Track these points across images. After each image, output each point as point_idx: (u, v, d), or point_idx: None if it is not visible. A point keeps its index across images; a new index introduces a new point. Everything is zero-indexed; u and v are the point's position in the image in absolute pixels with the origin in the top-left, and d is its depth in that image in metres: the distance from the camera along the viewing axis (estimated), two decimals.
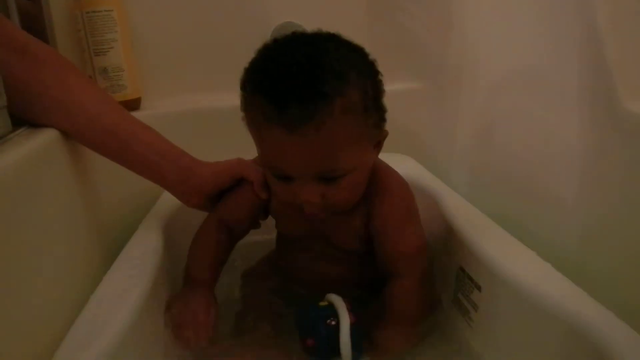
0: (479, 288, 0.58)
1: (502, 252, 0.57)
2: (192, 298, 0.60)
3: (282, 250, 0.71)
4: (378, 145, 0.59)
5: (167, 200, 0.73)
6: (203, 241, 0.66)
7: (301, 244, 0.66)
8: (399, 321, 0.60)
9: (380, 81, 0.56)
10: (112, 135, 0.63)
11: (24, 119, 0.59)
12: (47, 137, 0.58)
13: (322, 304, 0.59)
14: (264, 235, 0.73)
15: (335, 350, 0.55)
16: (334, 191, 0.54)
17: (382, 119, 0.57)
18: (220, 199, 0.67)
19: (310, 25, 0.96)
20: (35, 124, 0.60)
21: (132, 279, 0.55)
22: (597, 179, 0.58)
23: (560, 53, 0.63)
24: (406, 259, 0.61)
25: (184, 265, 0.65)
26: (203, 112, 0.94)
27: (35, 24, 0.81)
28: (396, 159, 0.84)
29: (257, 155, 0.67)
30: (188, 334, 0.57)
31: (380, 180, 0.61)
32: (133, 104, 0.92)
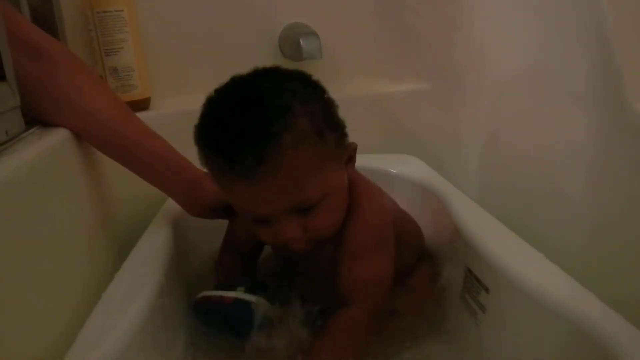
0: (486, 290, 0.58)
1: (510, 253, 0.57)
2: None
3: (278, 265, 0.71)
4: (350, 160, 0.58)
5: None
6: (225, 270, 0.68)
7: (299, 267, 0.66)
8: (327, 349, 0.54)
9: (329, 99, 0.55)
10: (119, 140, 0.63)
11: (36, 119, 0.60)
12: (59, 136, 0.59)
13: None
14: None
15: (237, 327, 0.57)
16: (314, 220, 0.53)
17: (343, 135, 0.56)
18: (228, 226, 0.69)
19: (318, 26, 0.97)
20: (47, 124, 0.60)
21: (143, 277, 0.56)
22: (606, 180, 0.58)
23: (569, 54, 0.63)
24: (360, 288, 0.57)
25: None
26: None
27: (46, 23, 0.81)
28: (403, 160, 0.84)
29: None
30: None
31: (355, 199, 0.59)
32: (143, 104, 0.92)
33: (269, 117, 0.48)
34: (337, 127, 0.55)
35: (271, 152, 0.48)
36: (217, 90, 0.54)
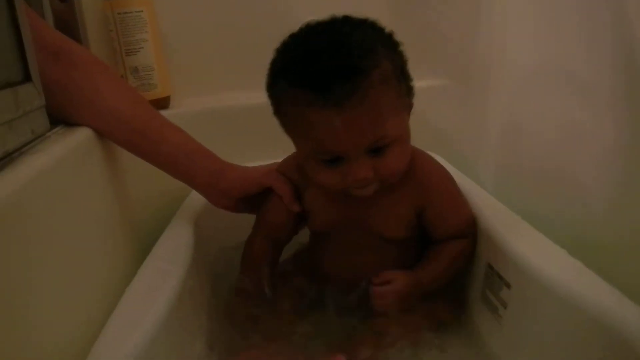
0: (508, 285, 0.58)
1: (532, 249, 0.57)
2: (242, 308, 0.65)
3: (315, 248, 0.70)
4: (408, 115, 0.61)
5: (198, 196, 0.74)
6: (252, 259, 0.69)
7: (336, 237, 0.66)
8: (428, 272, 0.63)
9: (402, 52, 0.58)
10: (143, 136, 0.64)
11: (59, 119, 0.61)
12: (83, 135, 0.60)
13: None
14: None
15: None
16: (384, 163, 0.56)
17: (410, 88, 0.59)
18: (258, 201, 0.69)
19: None
20: (70, 123, 0.61)
21: (165, 273, 0.56)
22: (631, 178, 0.57)
23: (592, 49, 0.62)
24: (467, 224, 0.65)
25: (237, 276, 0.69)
26: (231, 110, 0.96)
27: (68, 25, 0.83)
28: None
29: (283, 158, 0.69)
30: None
31: (421, 166, 0.63)
32: (162, 103, 0.94)
33: (358, 53, 0.52)
34: (409, 78, 0.59)
35: (362, 84, 0.52)
36: (292, 35, 0.57)
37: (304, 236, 0.73)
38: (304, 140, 0.58)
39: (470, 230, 0.66)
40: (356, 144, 0.54)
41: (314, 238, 0.71)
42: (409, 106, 0.60)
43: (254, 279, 0.67)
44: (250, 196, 0.68)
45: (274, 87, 0.57)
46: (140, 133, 0.64)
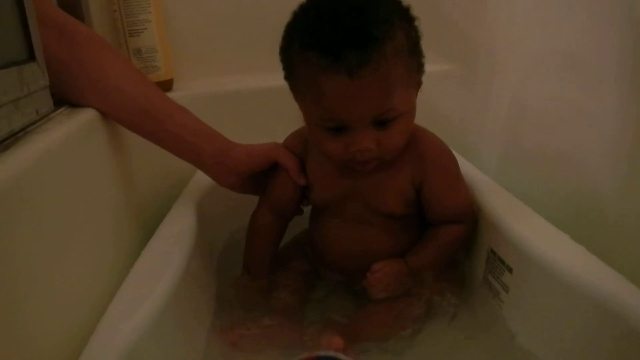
0: (510, 270, 0.58)
1: (534, 234, 0.57)
2: (248, 288, 0.68)
3: (315, 222, 0.70)
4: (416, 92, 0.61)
5: (201, 179, 0.74)
6: (258, 232, 0.70)
7: (335, 211, 0.66)
8: (421, 257, 0.64)
9: (418, 27, 0.58)
10: (148, 116, 0.64)
11: (63, 99, 0.61)
12: (87, 116, 0.59)
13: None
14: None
15: None
16: (387, 136, 0.57)
17: (421, 65, 0.59)
18: (264, 181, 0.69)
19: None
20: (74, 104, 0.61)
21: (169, 255, 0.57)
22: (637, 163, 0.57)
23: (598, 33, 0.62)
24: (464, 209, 0.65)
25: (244, 251, 0.70)
26: (234, 93, 0.95)
27: (71, 3, 0.82)
28: None
29: (287, 137, 0.69)
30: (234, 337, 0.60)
31: (423, 141, 0.64)
32: (166, 85, 0.93)
33: (373, 22, 0.52)
34: (421, 54, 0.59)
35: (376, 54, 0.52)
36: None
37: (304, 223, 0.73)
38: (313, 106, 0.58)
39: (467, 217, 0.66)
40: (363, 113, 0.55)
41: (314, 213, 0.71)
42: (418, 83, 0.60)
43: (257, 256, 0.68)
44: (257, 175, 0.68)
45: (288, 49, 0.58)
46: (145, 112, 0.64)
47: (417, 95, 0.60)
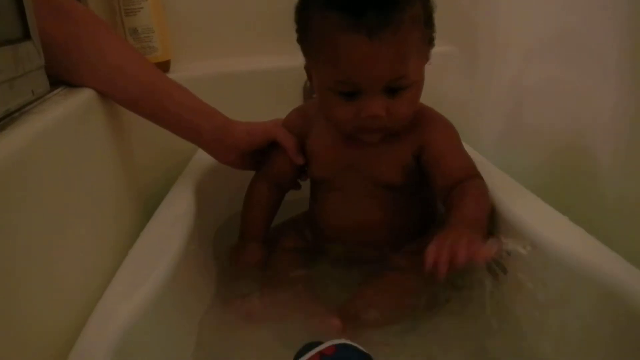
0: (508, 252, 0.58)
1: (533, 216, 0.57)
2: (245, 251, 0.68)
3: (315, 198, 0.70)
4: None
5: (201, 159, 0.74)
6: (254, 200, 0.70)
7: (335, 184, 0.66)
8: (465, 219, 0.56)
9: (432, 0, 0.59)
10: (148, 95, 0.64)
11: (60, 79, 0.60)
12: (85, 96, 0.59)
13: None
14: (293, 195, 0.74)
15: None
16: (397, 105, 0.57)
17: (432, 38, 0.60)
18: (263, 158, 0.70)
19: None
20: (71, 84, 0.61)
21: (168, 236, 0.57)
22: (636, 145, 0.56)
23: (598, 15, 0.61)
24: (473, 169, 0.63)
25: (240, 220, 0.70)
26: (232, 76, 0.94)
27: None
28: None
29: (289, 113, 0.70)
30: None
31: (425, 113, 0.64)
32: (162, 67, 0.92)
33: None
34: (434, 27, 0.60)
35: (396, 18, 0.53)
36: None
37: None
38: (328, 68, 0.57)
39: (476, 173, 0.62)
40: (378, 76, 0.55)
41: (314, 187, 0.71)
42: (427, 57, 0.60)
43: (253, 221, 0.69)
44: (256, 152, 0.68)
45: (305, 9, 0.58)
46: (143, 91, 0.64)
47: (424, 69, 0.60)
